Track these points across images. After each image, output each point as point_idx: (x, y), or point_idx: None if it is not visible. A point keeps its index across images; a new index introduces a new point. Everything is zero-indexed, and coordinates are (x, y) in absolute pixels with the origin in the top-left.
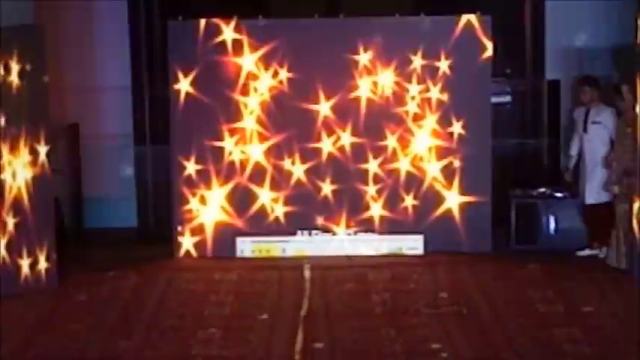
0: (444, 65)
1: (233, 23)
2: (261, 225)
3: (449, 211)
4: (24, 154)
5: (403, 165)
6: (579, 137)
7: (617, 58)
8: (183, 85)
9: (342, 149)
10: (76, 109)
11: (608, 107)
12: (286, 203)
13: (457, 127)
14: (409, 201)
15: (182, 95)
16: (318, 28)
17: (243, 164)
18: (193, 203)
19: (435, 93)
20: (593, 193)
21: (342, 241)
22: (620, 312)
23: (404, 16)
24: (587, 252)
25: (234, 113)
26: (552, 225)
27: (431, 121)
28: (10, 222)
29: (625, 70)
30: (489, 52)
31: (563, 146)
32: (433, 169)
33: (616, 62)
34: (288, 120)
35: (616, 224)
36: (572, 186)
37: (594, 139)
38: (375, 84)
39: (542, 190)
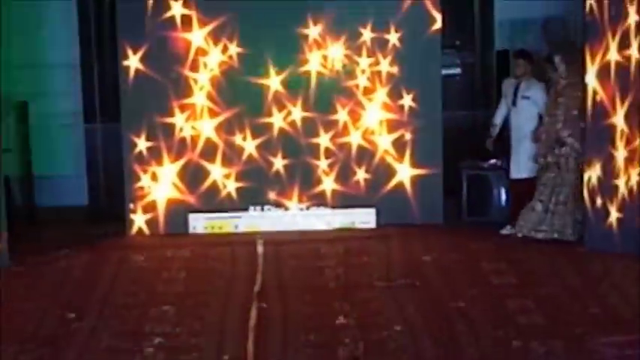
0: (393, 38)
1: None
2: (213, 201)
3: (400, 184)
4: None
5: (354, 139)
6: (507, 110)
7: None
8: (133, 61)
9: (293, 124)
10: (25, 86)
11: (538, 82)
12: (238, 179)
13: (407, 100)
14: (361, 175)
15: (132, 72)
16: (267, 1)
17: (194, 140)
18: (145, 180)
19: (385, 66)
20: (517, 168)
21: (294, 216)
22: (572, 282)
23: None
24: (508, 230)
25: (184, 89)
26: (503, 196)
27: (381, 94)
28: None
29: (558, 40)
30: (438, 24)
31: None
32: (384, 142)
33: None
34: (238, 95)
35: (535, 195)
36: (492, 153)
37: (522, 113)
38: (325, 58)
39: (493, 161)
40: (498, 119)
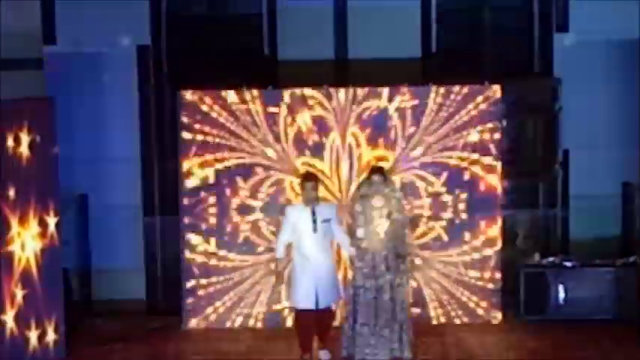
0: None
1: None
2: None
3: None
4: (33, 226)
5: None
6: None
7: None
8: None
9: None
10: (85, 180)
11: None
12: None
13: None
14: None
15: None
16: None
17: None
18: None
19: None
20: (326, 296)
21: None
22: None
23: None
24: None
25: None
26: (561, 294)
27: None
28: (19, 294)
29: None
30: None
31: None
32: None
33: None
34: None
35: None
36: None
37: (325, 237)
38: None
39: (551, 259)
40: (284, 252)
